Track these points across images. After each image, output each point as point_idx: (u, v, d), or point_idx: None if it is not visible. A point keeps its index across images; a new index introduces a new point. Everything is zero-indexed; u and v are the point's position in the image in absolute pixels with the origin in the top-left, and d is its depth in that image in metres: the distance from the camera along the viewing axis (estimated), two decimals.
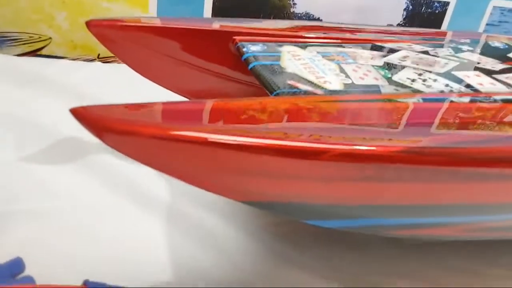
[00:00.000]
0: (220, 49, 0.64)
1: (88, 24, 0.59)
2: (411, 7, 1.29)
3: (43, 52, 1.16)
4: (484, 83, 0.59)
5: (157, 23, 0.63)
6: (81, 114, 0.35)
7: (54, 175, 0.66)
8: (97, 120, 0.35)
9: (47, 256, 0.52)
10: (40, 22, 1.14)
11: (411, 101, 0.51)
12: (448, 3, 1.30)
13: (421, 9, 1.30)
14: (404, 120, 0.47)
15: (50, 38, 1.16)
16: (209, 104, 0.42)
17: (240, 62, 0.60)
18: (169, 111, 0.41)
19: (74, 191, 0.64)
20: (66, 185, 0.64)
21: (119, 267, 0.53)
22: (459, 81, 0.59)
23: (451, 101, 0.53)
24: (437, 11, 1.31)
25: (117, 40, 0.61)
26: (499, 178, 0.45)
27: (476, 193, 0.46)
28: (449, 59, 0.67)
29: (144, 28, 0.61)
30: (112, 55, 0.66)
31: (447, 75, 0.60)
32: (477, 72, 0.63)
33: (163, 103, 0.40)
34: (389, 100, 0.51)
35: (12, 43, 1.16)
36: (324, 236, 0.63)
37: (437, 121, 0.48)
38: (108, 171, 0.67)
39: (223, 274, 0.56)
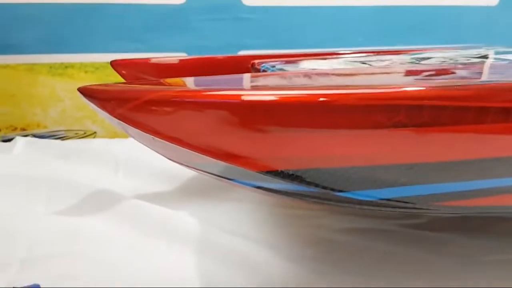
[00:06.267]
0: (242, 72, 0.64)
1: (112, 63, 0.61)
2: None
3: None
4: None
5: (180, 57, 0.65)
6: (98, 91, 0.33)
7: (84, 223, 0.63)
8: (120, 92, 0.33)
9: None
10: (85, 118, 1.21)
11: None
12: None
13: None
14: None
15: (95, 132, 1.21)
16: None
17: None
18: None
19: (105, 234, 0.61)
20: (97, 230, 0.62)
21: None
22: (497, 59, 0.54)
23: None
24: None
25: (141, 76, 0.62)
26: None
27: None
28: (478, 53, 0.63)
29: (164, 63, 0.63)
30: None
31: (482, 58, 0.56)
32: None
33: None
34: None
35: (60, 139, 1.23)
36: (368, 255, 0.55)
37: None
38: (138, 214, 0.65)
39: None
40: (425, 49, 0.69)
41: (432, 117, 0.34)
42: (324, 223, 0.62)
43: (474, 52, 0.65)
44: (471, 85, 0.36)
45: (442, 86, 0.35)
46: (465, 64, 0.51)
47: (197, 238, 0.59)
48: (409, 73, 0.48)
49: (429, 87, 0.35)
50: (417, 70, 0.50)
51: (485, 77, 0.44)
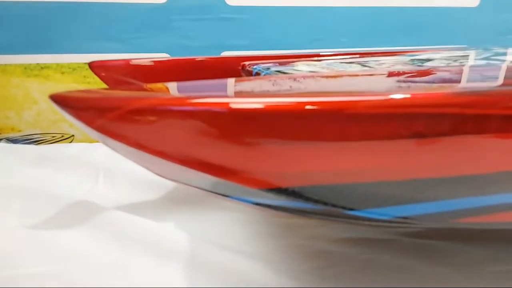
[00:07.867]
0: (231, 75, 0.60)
1: (91, 65, 0.57)
2: None
3: None
4: None
5: (162, 58, 0.61)
6: (74, 99, 0.29)
7: (61, 237, 0.58)
8: (100, 101, 0.29)
9: None
10: (61, 121, 1.16)
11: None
12: None
13: None
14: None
15: (73, 135, 1.17)
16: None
17: None
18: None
19: (83, 249, 0.56)
20: (75, 245, 0.57)
21: None
22: (501, 61, 0.52)
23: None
24: None
25: (122, 79, 0.58)
26: None
27: None
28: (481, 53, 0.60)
29: (146, 65, 0.59)
30: None
31: (486, 59, 0.54)
32: None
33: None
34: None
35: (36, 144, 1.17)
36: (369, 268, 0.52)
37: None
38: (119, 226, 0.60)
39: None
40: (420, 50, 0.66)
41: (454, 126, 0.30)
42: (321, 233, 0.59)
43: (471, 52, 0.63)
44: (496, 90, 0.33)
45: (465, 92, 0.32)
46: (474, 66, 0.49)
47: (185, 253, 0.55)
48: (391, 74, 0.46)
49: (452, 93, 0.31)
50: (399, 72, 0.47)
51: (465, 78, 0.42)
